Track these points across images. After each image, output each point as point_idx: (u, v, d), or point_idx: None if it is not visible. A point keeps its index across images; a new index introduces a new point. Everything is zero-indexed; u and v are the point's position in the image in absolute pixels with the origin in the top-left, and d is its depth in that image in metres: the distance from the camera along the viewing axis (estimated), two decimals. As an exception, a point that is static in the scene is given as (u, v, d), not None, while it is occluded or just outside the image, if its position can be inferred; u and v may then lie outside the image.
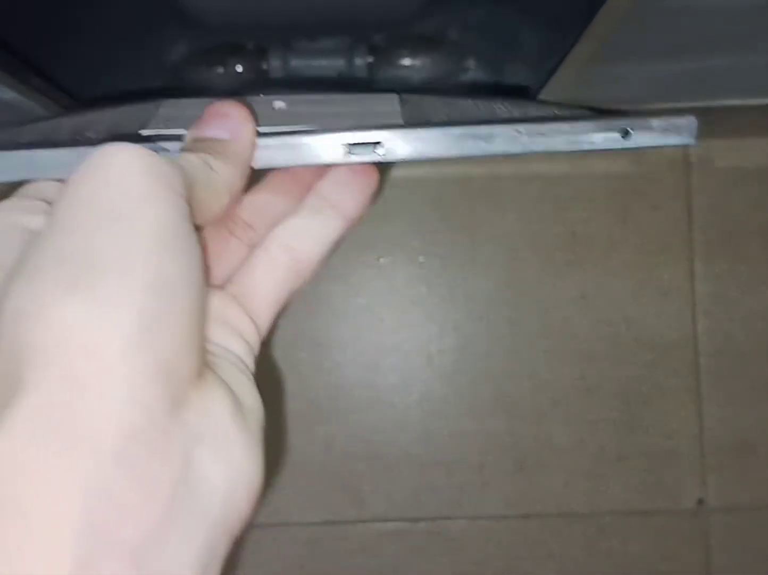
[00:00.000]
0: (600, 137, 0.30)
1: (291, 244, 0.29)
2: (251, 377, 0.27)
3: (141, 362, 0.20)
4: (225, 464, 0.23)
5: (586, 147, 0.31)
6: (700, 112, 0.78)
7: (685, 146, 0.83)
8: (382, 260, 0.80)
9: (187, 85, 0.57)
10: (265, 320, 0.29)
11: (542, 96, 0.62)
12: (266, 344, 0.30)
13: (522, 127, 0.32)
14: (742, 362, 0.80)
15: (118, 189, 0.22)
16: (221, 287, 0.29)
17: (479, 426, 0.80)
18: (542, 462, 0.80)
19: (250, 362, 0.28)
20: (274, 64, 0.56)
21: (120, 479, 0.20)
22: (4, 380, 0.20)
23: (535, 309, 0.80)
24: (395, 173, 0.80)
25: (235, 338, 0.27)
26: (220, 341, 0.27)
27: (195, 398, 0.22)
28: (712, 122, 0.78)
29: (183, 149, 0.27)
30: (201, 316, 0.23)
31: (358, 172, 0.30)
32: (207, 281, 0.24)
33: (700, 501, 0.79)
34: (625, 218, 0.80)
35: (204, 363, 0.24)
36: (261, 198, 0.31)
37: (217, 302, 0.27)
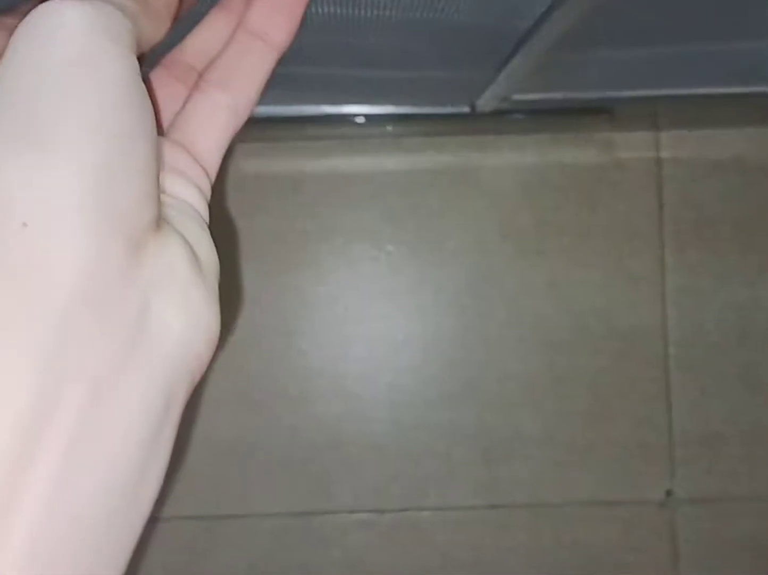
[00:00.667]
0: None
1: (227, 83, 0.29)
2: (205, 225, 0.27)
3: (99, 214, 0.21)
4: (183, 308, 0.23)
5: None
6: (669, 102, 0.77)
7: (656, 135, 0.81)
8: (349, 248, 0.79)
9: None
10: (213, 164, 0.29)
11: (499, 86, 0.61)
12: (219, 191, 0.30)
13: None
14: (712, 353, 0.79)
15: (63, 46, 0.21)
16: (166, 134, 0.28)
17: (447, 416, 0.79)
18: (510, 452, 0.79)
19: (203, 210, 0.28)
20: None
21: (80, 313, 0.20)
22: None
23: (503, 298, 0.79)
24: (364, 162, 0.79)
25: (187, 186, 0.27)
26: (172, 191, 0.27)
27: (153, 247, 0.23)
28: (683, 112, 0.78)
29: None
30: (156, 167, 0.23)
31: None
32: (159, 131, 0.24)
33: (669, 493, 0.79)
34: (595, 207, 0.80)
35: (160, 214, 0.24)
36: (201, 38, 0.31)
37: (167, 151, 0.27)
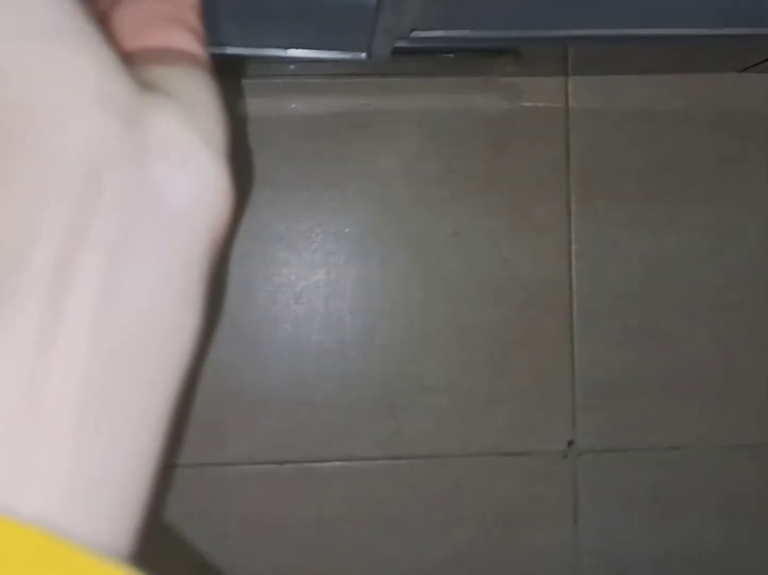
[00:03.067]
0: None
1: None
2: (205, 80, 0.27)
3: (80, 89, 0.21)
4: (188, 170, 0.24)
5: None
6: (578, 44, 0.75)
7: (565, 81, 0.79)
8: (249, 193, 0.77)
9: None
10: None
11: (395, 18, 0.59)
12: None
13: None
14: (616, 303, 0.78)
15: None
16: None
17: (348, 366, 0.77)
18: (412, 403, 0.78)
19: (200, 53, 0.28)
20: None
21: (85, 187, 0.21)
22: None
23: (407, 246, 0.78)
24: (264, 106, 0.77)
25: (179, 36, 0.27)
26: (163, 45, 0.27)
27: (144, 115, 0.23)
28: (592, 57, 0.76)
29: None
30: (98, 39, 0.23)
31: None
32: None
33: (570, 443, 0.78)
34: (501, 154, 0.78)
35: (144, 81, 0.24)
36: None
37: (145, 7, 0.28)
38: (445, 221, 0.78)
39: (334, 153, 0.77)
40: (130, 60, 0.26)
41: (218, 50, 0.66)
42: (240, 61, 0.71)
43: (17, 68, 0.21)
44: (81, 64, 0.22)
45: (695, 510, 0.79)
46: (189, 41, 0.28)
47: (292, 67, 0.75)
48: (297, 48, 0.69)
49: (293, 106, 0.77)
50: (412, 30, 0.64)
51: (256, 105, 0.76)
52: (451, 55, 0.73)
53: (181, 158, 0.23)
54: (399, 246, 0.78)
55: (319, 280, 0.78)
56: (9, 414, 0.20)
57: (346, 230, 0.78)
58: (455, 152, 0.78)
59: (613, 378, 0.78)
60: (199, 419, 0.77)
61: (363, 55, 0.68)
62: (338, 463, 0.78)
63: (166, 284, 0.23)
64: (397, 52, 0.69)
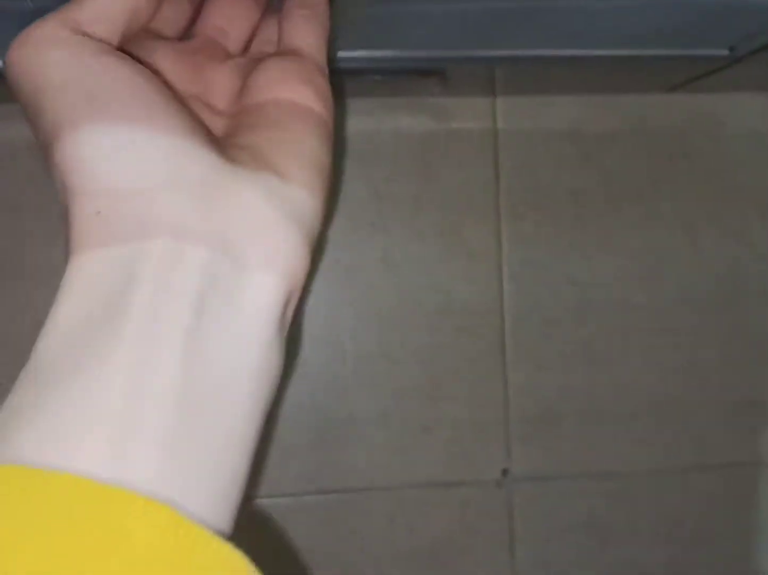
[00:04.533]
0: None
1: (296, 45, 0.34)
2: (318, 144, 0.30)
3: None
4: (265, 243, 0.26)
5: None
6: (506, 64, 0.73)
7: (493, 102, 0.77)
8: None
9: None
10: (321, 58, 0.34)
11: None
12: None
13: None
14: (549, 328, 0.77)
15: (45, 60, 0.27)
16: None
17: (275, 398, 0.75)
18: (342, 434, 0.75)
19: (326, 113, 0.31)
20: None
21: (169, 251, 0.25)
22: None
23: (336, 272, 0.75)
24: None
25: (307, 92, 0.31)
26: (284, 95, 0.30)
27: (227, 190, 0.25)
28: (520, 77, 0.75)
29: None
30: (183, 119, 0.26)
31: None
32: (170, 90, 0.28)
33: (505, 472, 0.77)
34: (430, 177, 0.76)
35: (247, 148, 0.27)
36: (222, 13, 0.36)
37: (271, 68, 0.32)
38: (373, 247, 0.76)
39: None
40: (248, 121, 0.29)
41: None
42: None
43: None
44: (158, 149, 0.25)
45: (633, 536, 0.78)
46: (313, 100, 0.31)
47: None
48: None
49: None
50: (336, 50, 0.62)
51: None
52: (376, 77, 0.72)
53: (257, 230, 0.26)
54: (327, 272, 0.75)
55: (243, 309, 0.75)
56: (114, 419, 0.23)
57: (272, 256, 0.75)
58: (383, 175, 0.76)
59: (547, 405, 0.77)
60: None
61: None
62: (266, 500, 0.75)
63: (244, 338, 0.26)
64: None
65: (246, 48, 0.37)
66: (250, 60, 0.34)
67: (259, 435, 0.28)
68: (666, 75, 0.73)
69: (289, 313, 0.29)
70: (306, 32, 0.34)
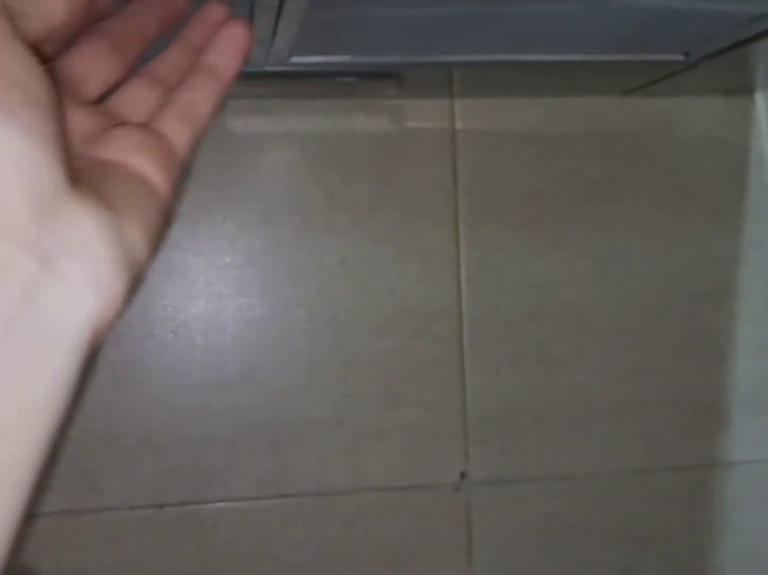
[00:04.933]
0: None
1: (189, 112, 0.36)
2: (153, 200, 0.30)
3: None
4: (82, 272, 0.25)
5: None
6: (461, 69, 0.73)
7: (451, 104, 0.77)
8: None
9: None
10: (181, 147, 0.34)
11: (274, 47, 0.56)
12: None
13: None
14: (506, 330, 0.77)
15: None
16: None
17: (229, 402, 0.74)
18: (297, 439, 0.75)
19: (162, 185, 0.31)
20: None
21: None
22: None
23: (290, 276, 0.74)
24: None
25: (146, 160, 0.31)
26: (124, 162, 0.30)
27: (63, 214, 0.25)
28: (478, 80, 0.75)
29: None
30: (56, 133, 0.25)
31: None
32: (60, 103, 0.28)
33: (463, 475, 0.76)
34: (386, 179, 0.76)
35: (80, 179, 0.26)
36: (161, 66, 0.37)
37: (120, 133, 0.32)
38: (329, 249, 0.75)
39: (211, 179, 0.73)
40: (96, 169, 0.30)
41: None
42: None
43: None
44: (17, 155, 0.24)
45: (588, 538, 0.78)
46: (164, 183, 0.32)
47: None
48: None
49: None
50: (290, 56, 0.61)
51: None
52: (336, 79, 0.71)
53: (80, 259, 0.25)
54: (281, 275, 0.74)
55: (198, 313, 0.74)
56: None
57: (227, 259, 0.74)
58: (338, 177, 0.75)
59: (504, 407, 0.77)
60: (73, 464, 0.72)
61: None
62: (221, 504, 0.74)
63: (39, 369, 0.25)
64: (276, 75, 0.66)
65: (105, 96, 0.37)
66: (111, 114, 0.35)
67: (43, 465, 0.26)
68: (621, 79, 0.74)
69: (99, 340, 0.28)
70: (181, 129, 0.35)
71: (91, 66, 0.35)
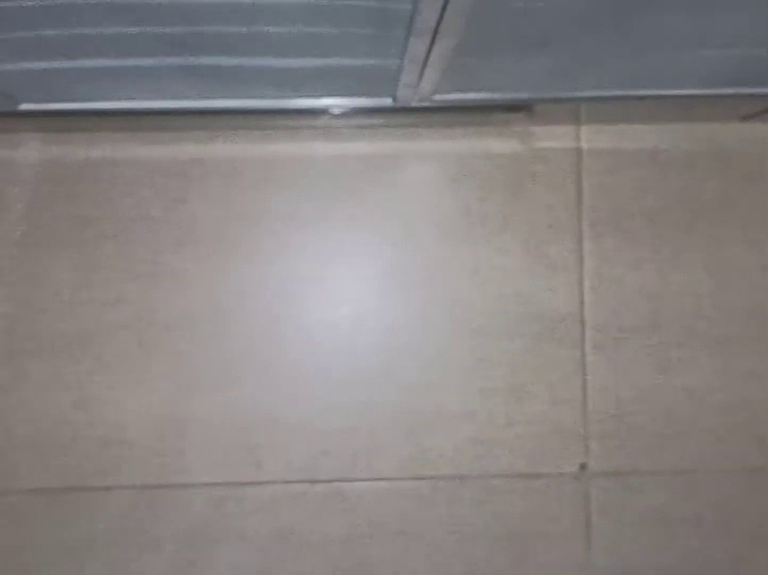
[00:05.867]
0: None
1: None
2: None
3: None
4: None
5: None
6: (587, 102, 0.81)
7: (577, 129, 0.84)
8: (280, 231, 0.84)
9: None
10: None
11: (419, 87, 0.65)
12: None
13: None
14: (624, 335, 0.84)
15: None
16: None
17: (372, 395, 0.84)
18: (433, 428, 0.84)
19: None
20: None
21: None
22: None
23: (429, 283, 0.84)
24: (300, 149, 0.84)
25: None
26: None
27: None
28: (602, 108, 0.82)
29: None
30: None
31: None
32: None
33: (583, 466, 0.84)
34: (517, 196, 0.84)
35: None
36: None
37: None
38: (465, 259, 0.84)
39: (360, 194, 0.84)
40: None
41: (262, 103, 0.72)
42: (283, 112, 0.78)
43: None
44: None
45: (699, 529, 0.85)
46: None
47: (326, 118, 0.82)
48: (329, 97, 0.75)
49: (322, 150, 0.84)
50: (434, 94, 0.70)
51: (292, 149, 0.83)
52: (472, 112, 0.80)
53: None
54: (421, 282, 0.84)
55: (345, 315, 0.84)
56: None
57: (371, 267, 0.84)
58: (474, 195, 0.84)
59: (622, 406, 0.84)
60: (238, 443, 0.83)
61: (389, 100, 0.74)
62: (366, 482, 0.84)
63: None
64: (421, 110, 0.75)
65: None
66: None
67: None
68: (740, 106, 0.80)
69: None
70: None
71: None
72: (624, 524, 0.84)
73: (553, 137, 0.84)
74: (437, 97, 0.71)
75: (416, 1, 0.49)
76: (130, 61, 0.58)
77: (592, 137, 0.84)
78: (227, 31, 0.54)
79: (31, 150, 0.82)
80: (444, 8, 0.49)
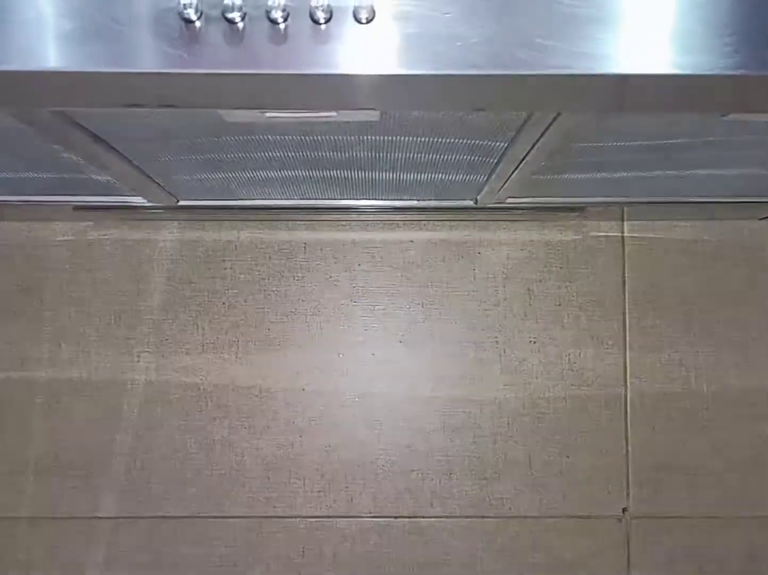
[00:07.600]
0: None
1: None
2: None
3: None
4: None
5: None
6: (633, 203, 0.98)
7: (621, 224, 1.01)
8: (375, 305, 1.00)
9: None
10: None
11: (498, 192, 0.82)
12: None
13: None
14: (662, 398, 0.99)
15: None
16: None
17: (449, 443, 0.99)
18: (498, 473, 0.99)
19: None
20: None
21: None
22: None
23: (497, 350, 1.00)
24: (389, 237, 1.01)
25: None
26: None
27: None
28: (641, 208, 0.99)
29: None
30: None
31: None
32: None
33: (624, 510, 0.99)
34: (570, 279, 1.01)
35: None
36: None
37: None
38: (526, 331, 1.00)
39: (441, 275, 1.01)
40: None
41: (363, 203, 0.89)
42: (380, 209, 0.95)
43: None
44: None
45: (725, 569, 0.98)
46: None
47: (413, 214, 0.99)
48: (424, 200, 0.92)
49: (415, 237, 1.01)
50: (508, 197, 0.87)
51: (384, 238, 1.01)
52: (534, 209, 0.97)
53: None
54: (490, 349, 1.00)
55: (428, 374, 1.00)
56: None
57: (450, 336, 1.00)
58: (534, 277, 1.01)
59: (659, 458, 0.99)
60: (334, 480, 0.99)
61: (471, 202, 0.91)
62: (439, 519, 0.99)
63: None
64: (494, 209, 0.92)
65: None
66: None
67: None
68: (758, 208, 0.96)
69: None
70: None
71: None
72: (659, 560, 0.99)
73: (602, 230, 1.01)
74: (510, 200, 0.88)
75: (512, 140, 0.66)
76: (283, 173, 0.76)
77: (634, 230, 1.01)
78: (362, 156, 0.72)
79: (172, 232, 1.01)
80: (532, 147, 0.67)
